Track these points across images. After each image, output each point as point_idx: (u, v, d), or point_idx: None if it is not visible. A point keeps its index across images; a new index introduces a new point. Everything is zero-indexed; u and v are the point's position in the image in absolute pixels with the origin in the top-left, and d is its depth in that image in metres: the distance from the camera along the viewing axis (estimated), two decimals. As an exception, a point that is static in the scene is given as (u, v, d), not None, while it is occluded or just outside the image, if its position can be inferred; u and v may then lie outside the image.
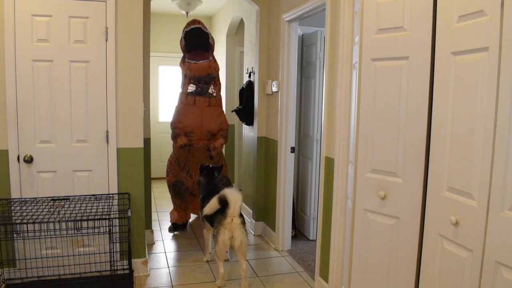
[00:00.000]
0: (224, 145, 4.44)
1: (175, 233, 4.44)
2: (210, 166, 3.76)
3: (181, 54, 7.53)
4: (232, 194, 3.09)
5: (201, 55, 4.12)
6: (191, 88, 4.16)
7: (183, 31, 4.14)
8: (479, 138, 1.54)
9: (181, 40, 4.20)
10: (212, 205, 3.15)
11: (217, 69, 4.24)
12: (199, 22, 4.10)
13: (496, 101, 1.45)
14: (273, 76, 4.04)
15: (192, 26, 4.08)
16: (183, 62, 4.24)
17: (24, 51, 2.91)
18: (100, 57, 3.05)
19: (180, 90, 4.39)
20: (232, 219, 3.06)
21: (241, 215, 3.14)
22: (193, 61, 4.09)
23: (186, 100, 4.17)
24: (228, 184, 4.21)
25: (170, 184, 4.38)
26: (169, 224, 4.63)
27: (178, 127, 4.16)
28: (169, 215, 4.66)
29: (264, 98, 4.27)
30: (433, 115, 1.79)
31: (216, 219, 3.19)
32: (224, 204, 3.08)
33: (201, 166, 3.79)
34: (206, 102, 4.15)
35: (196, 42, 4.11)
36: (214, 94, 4.21)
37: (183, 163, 4.31)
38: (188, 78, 4.19)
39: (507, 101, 1.41)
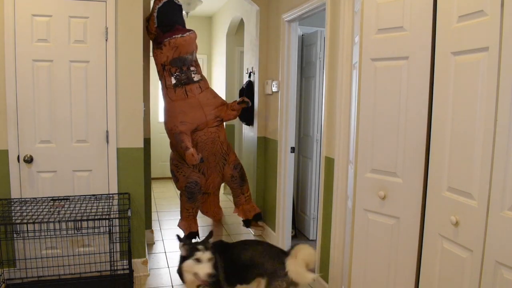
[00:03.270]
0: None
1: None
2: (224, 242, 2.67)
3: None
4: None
5: (181, 31, 3.56)
6: (174, 79, 3.65)
7: (153, 9, 3.56)
8: (479, 138, 1.54)
9: (150, 21, 3.61)
10: None
11: (196, 46, 3.75)
12: None
13: (496, 101, 1.45)
14: (273, 76, 4.04)
15: (164, 0, 3.53)
16: (157, 48, 3.61)
17: (24, 51, 2.91)
18: (100, 57, 3.05)
19: (160, 88, 3.85)
20: None
21: None
22: (179, 35, 3.49)
23: (176, 95, 3.65)
24: (242, 173, 4.00)
25: (183, 188, 3.86)
26: (175, 234, 4.20)
27: (182, 132, 3.62)
28: (179, 228, 3.94)
29: (264, 98, 4.27)
30: (433, 115, 1.79)
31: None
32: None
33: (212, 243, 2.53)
34: (198, 89, 3.70)
35: (172, 17, 3.55)
36: (200, 77, 3.78)
37: None
38: (168, 69, 3.64)
39: (507, 101, 1.41)
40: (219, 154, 3.97)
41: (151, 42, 3.83)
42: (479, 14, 1.53)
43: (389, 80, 1.99)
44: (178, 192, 4.19)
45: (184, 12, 5.63)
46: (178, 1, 3.65)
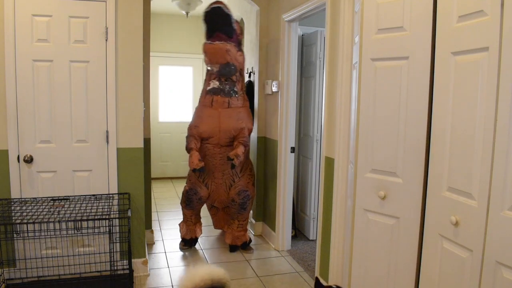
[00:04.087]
0: (245, 153, 3.83)
1: (185, 248, 3.98)
2: None
3: (181, 54, 7.19)
4: None
5: (216, 38, 3.59)
6: (212, 84, 3.71)
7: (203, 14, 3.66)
8: (479, 138, 1.54)
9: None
10: None
11: (239, 61, 3.71)
12: (221, 2, 3.59)
13: (496, 101, 1.45)
14: (273, 76, 4.04)
15: (212, 6, 3.56)
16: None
17: (24, 51, 2.91)
18: (100, 57, 3.05)
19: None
20: None
21: None
22: (208, 41, 3.58)
23: (204, 100, 3.75)
24: (245, 202, 3.79)
25: (184, 192, 3.91)
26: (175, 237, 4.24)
27: (193, 134, 3.72)
28: (179, 226, 4.08)
29: (264, 98, 4.27)
30: (433, 115, 1.79)
31: None
32: None
33: None
34: (225, 103, 3.69)
35: (215, 23, 3.58)
36: (236, 93, 3.75)
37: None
38: (209, 74, 3.76)
39: (507, 101, 1.41)
40: (228, 173, 3.85)
41: (151, 42, 3.83)
42: (479, 14, 1.53)
43: (389, 80, 1.99)
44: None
45: (184, 12, 5.65)
46: (228, 10, 3.60)
